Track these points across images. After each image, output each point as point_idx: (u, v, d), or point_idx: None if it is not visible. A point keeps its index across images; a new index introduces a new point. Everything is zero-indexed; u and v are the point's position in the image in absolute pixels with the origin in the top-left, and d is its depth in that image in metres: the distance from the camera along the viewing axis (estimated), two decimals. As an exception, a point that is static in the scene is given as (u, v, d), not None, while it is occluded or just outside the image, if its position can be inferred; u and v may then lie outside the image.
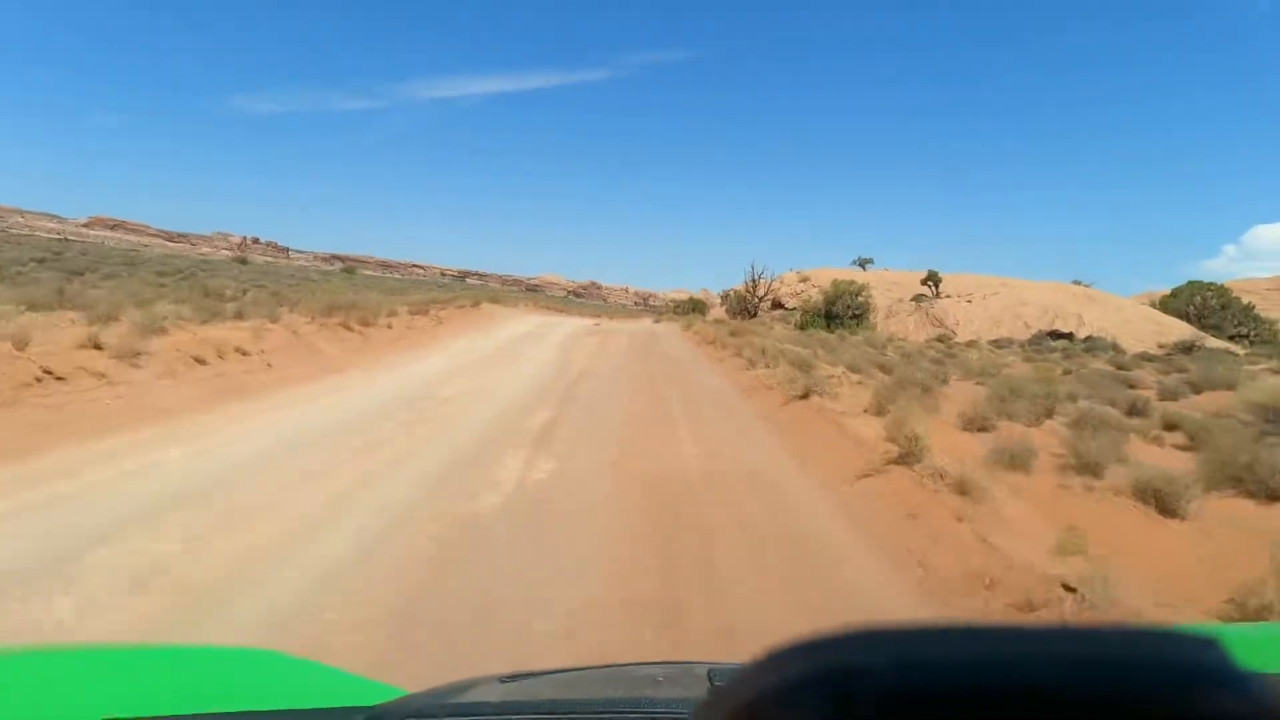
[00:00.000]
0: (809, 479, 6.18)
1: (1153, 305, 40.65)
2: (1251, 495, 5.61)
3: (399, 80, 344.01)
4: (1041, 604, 3.52)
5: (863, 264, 50.01)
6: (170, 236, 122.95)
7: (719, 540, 4.56)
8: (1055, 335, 33.53)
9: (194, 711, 1.02)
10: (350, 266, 69.65)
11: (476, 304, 28.31)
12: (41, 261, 30.81)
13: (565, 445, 6.89)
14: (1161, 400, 12.14)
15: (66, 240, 75.44)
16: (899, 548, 4.54)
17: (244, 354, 9.03)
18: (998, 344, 31.73)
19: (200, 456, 5.53)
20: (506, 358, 13.64)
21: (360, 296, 17.09)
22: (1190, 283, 42.01)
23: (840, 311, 35.04)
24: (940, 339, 33.41)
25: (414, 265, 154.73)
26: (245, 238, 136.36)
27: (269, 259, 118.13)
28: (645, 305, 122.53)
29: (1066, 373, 18.65)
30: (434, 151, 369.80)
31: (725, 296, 42.44)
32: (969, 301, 37.48)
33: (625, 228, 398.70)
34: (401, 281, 78.78)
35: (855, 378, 11.42)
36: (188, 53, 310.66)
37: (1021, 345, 31.89)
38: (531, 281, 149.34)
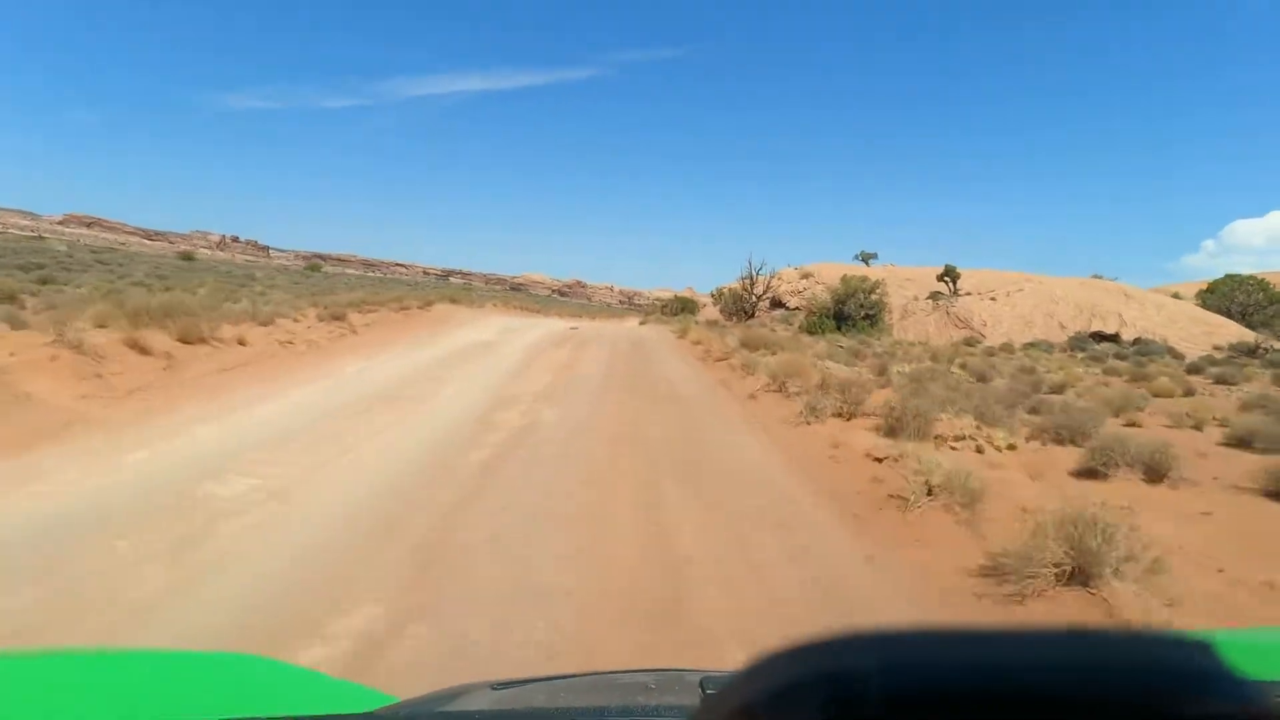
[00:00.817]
0: None
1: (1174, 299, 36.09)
2: None
3: (382, 78, 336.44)
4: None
5: (866, 259, 45.18)
6: (148, 234, 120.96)
7: None
8: (1099, 337, 28.79)
9: (183, 718, 1.02)
10: (315, 264, 63.72)
11: (428, 305, 23.08)
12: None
13: None
14: None
15: (42, 237, 71.19)
16: None
17: None
18: (1036, 348, 26.95)
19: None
20: (402, 402, 8.20)
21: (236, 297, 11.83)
22: (1228, 276, 37.58)
23: (852, 311, 30.11)
24: (968, 342, 28.60)
25: (397, 264, 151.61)
26: (225, 236, 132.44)
27: (249, 257, 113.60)
28: (630, 304, 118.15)
29: (1187, 394, 13.76)
30: (417, 150, 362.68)
31: (718, 295, 37.43)
32: (993, 299, 32.71)
33: (610, 227, 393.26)
34: (379, 280, 73.14)
35: (1006, 436, 6.39)
36: (168, 49, 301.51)
37: (1063, 348, 27.13)
38: (515, 280, 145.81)
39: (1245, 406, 10.82)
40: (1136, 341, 27.49)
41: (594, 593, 3.43)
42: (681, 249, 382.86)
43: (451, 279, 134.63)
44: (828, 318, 30.21)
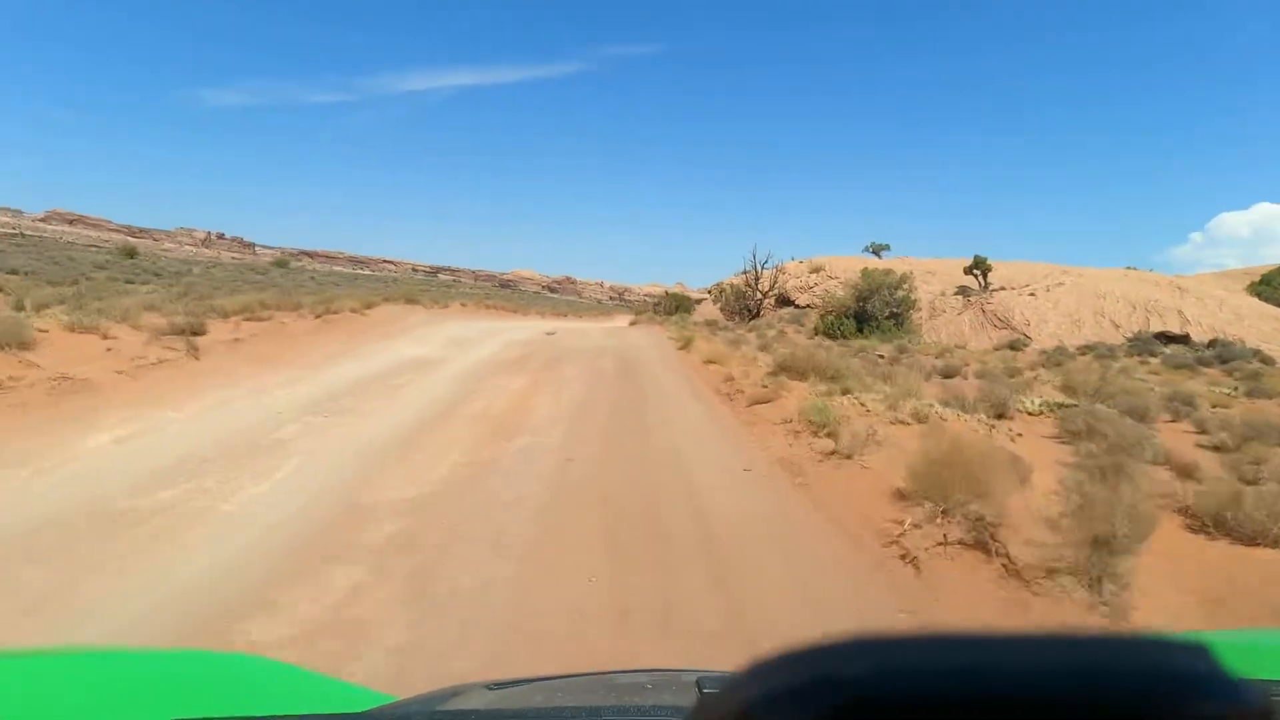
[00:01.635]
0: None
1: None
2: None
3: (367, 74, 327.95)
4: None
5: (877, 251, 40.52)
6: (131, 231, 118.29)
7: None
8: (1164, 338, 24.23)
9: (181, 718, 0.99)
10: (284, 259, 58.43)
11: (368, 307, 18.25)
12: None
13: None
14: None
15: (24, 235, 67.36)
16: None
17: None
18: (1095, 352, 22.38)
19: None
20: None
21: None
22: (1284, 268, 33.14)
23: (875, 310, 25.45)
24: (1012, 346, 24.01)
25: (385, 261, 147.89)
26: (209, 233, 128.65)
27: (234, 254, 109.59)
28: (620, 300, 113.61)
29: None
30: (405, 146, 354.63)
31: (718, 292, 32.72)
32: (1032, 295, 28.11)
33: (600, 222, 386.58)
34: (353, 278, 67.97)
35: None
36: (151, 45, 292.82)
37: (1125, 352, 22.55)
38: (505, 277, 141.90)
39: None
40: (1213, 344, 22.96)
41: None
42: (672, 245, 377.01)
43: (440, 276, 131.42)
44: (847, 317, 25.55)
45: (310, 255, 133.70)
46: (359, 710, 1.01)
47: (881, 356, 17.37)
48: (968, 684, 0.27)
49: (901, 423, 6.58)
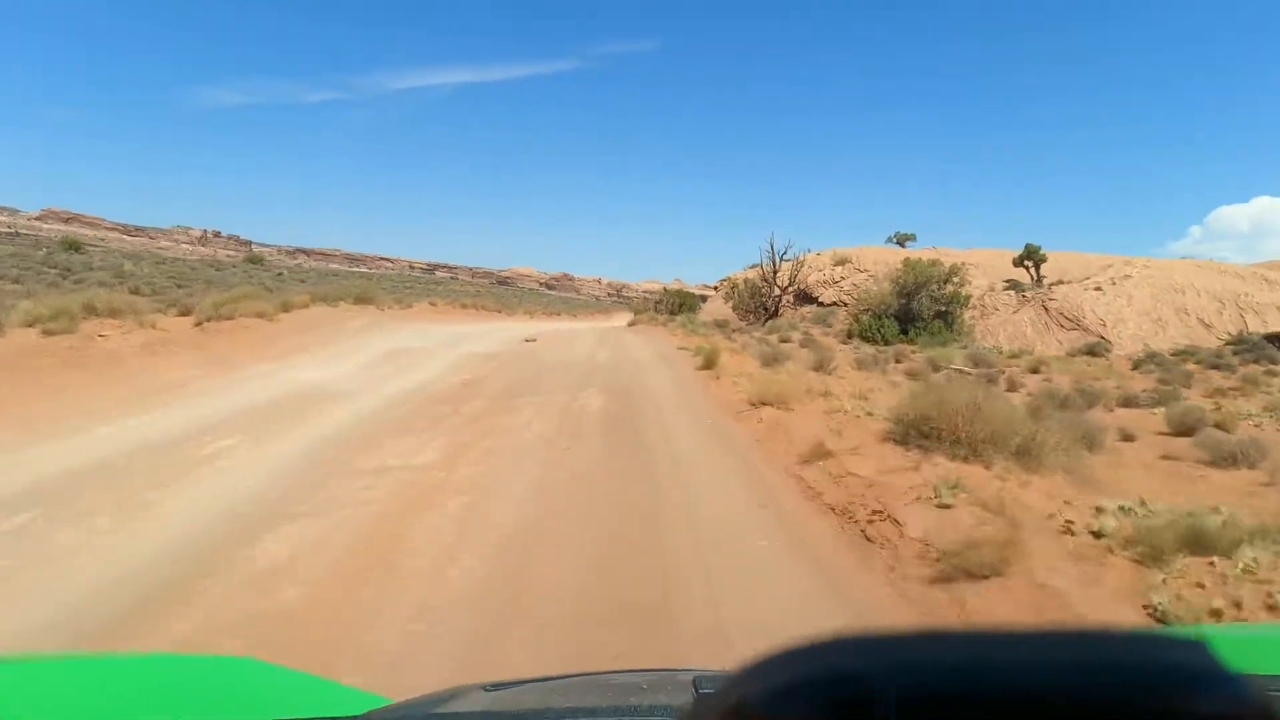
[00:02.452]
0: None
1: None
2: None
3: (362, 72, 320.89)
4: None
5: (901, 241, 35.83)
6: (128, 230, 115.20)
7: None
8: (1276, 340, 19.71)
9: None
10: (256, 255, 53.52)
11: (284, 309, 13.69)
12: None
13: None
14: None
15: (19, 234, 64.13)
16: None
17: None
18: (1193, 358, 17.85)
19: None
20: None
21: None
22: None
23: (921, 308, 20.93)
24: (1091, 351, 19.50)
25: (383, 259, 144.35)
26: (206, 231, 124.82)
27: (229, 253, 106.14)
28: (619, 297, 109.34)
29: None
30: (402, 144, 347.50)
31: (730, 289, 28.14)
32: (1098, 289, 23.58)
33: (597, 219, 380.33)
34: (335, 274, 63.30)
35: None
36: (147, 44, 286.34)
37: (1232, 356, 18.03)
38: (503, 274, 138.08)
39: None
40: (1340, 347, 18.45)
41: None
42: (669, 242, 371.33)
43: (437, 273, 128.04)
44: (888, 317, 21.02)
45: (307, 253, 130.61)
46: (355, 713, 0.99)
47: (962, 371, 12.86)
48: (967, 679, 0.27)
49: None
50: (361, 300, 18.87)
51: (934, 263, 21.64)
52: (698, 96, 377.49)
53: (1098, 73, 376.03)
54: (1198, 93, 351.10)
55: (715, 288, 42.80)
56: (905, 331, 20.87)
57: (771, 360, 11.29)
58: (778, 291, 26.22)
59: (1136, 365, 16.55)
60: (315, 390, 8.06)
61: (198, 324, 11.12)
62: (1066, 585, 2.72)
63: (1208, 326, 21.49)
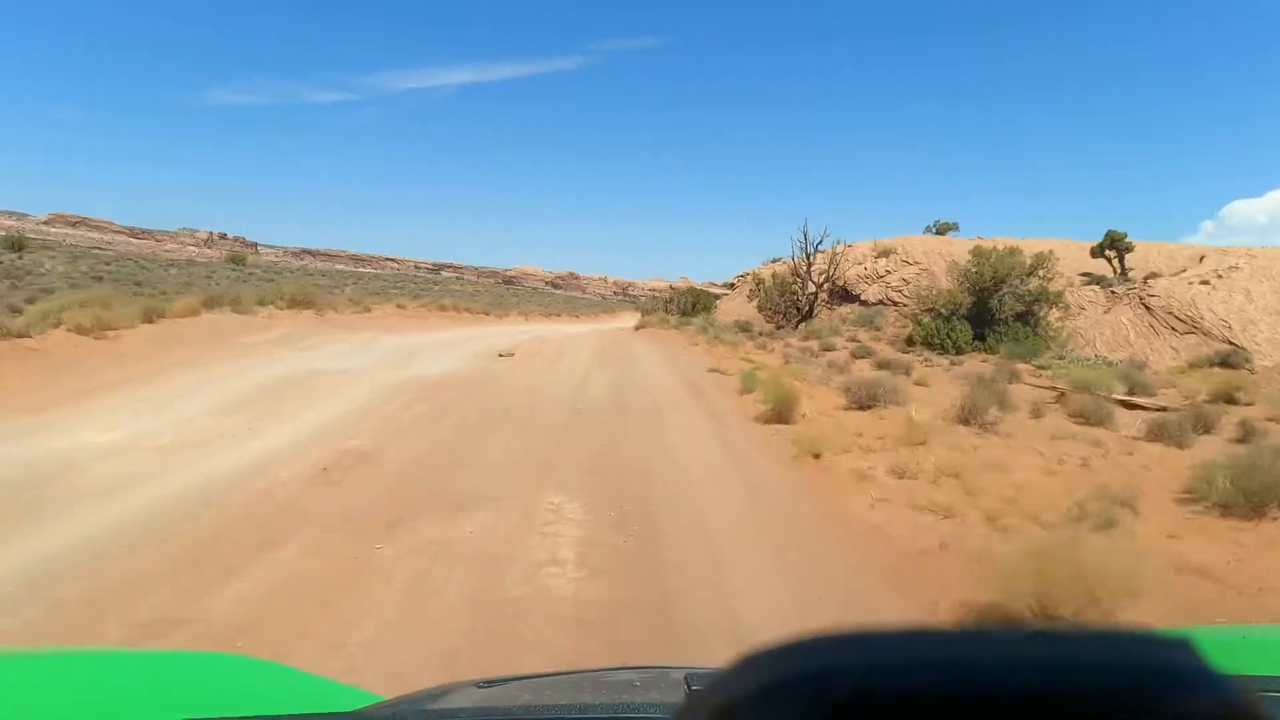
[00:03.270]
0: None
1: None
2: None
3: (369, 72, 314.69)
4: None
5: (942, 230, 31.28)
6: (134, 233, 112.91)
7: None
8: None
9: (168, 718, 0.97)
10: (239, 254, 49.09)
11: (141, 321, 9.40)
12: None
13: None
14: None
15: (28, 238, 61.92)
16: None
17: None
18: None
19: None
20: None
21: None
22: None
23: (1003, 308, 16.51)
24: (1225, 361, 15.02)
25: (388, 259, 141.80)
26: (211, 233, 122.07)
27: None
28: (625, 295, 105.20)
29: None
30: (407, 143, 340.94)
31: (753, 284, 23.66)
32: (1205, 284, 19.03)
33: (603, 217, 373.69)
34: (330, 273, 59.17)
35: None
36: (153, 46, 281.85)
37: None
38: (509, 274, 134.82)
39: None
40: None
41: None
42: (675, 240, 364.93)
43: (443, 273, 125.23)
44: (959, 318, 16.60)
45: (312, 254, 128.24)
46: (347, 710, 0.97)
47: (1136, 404, 8.45)
48: (958, 679, 0.27)
49: None
50: (298, 303, 14.62)
51: (1013, 251, 17.16)
52: (700, 93, 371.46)
53: (1105, 63, 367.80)
54: (1211, 83, 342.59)
55: (731, 285, 38.18)
56: (981, 337, 16.46)
57: (865, 398, 6.91)
58: (812, 288, 21.79)
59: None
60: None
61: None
62: None
63: (1357, 328, 16.97)
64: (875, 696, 0.27)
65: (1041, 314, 17.04)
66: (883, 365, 13.16)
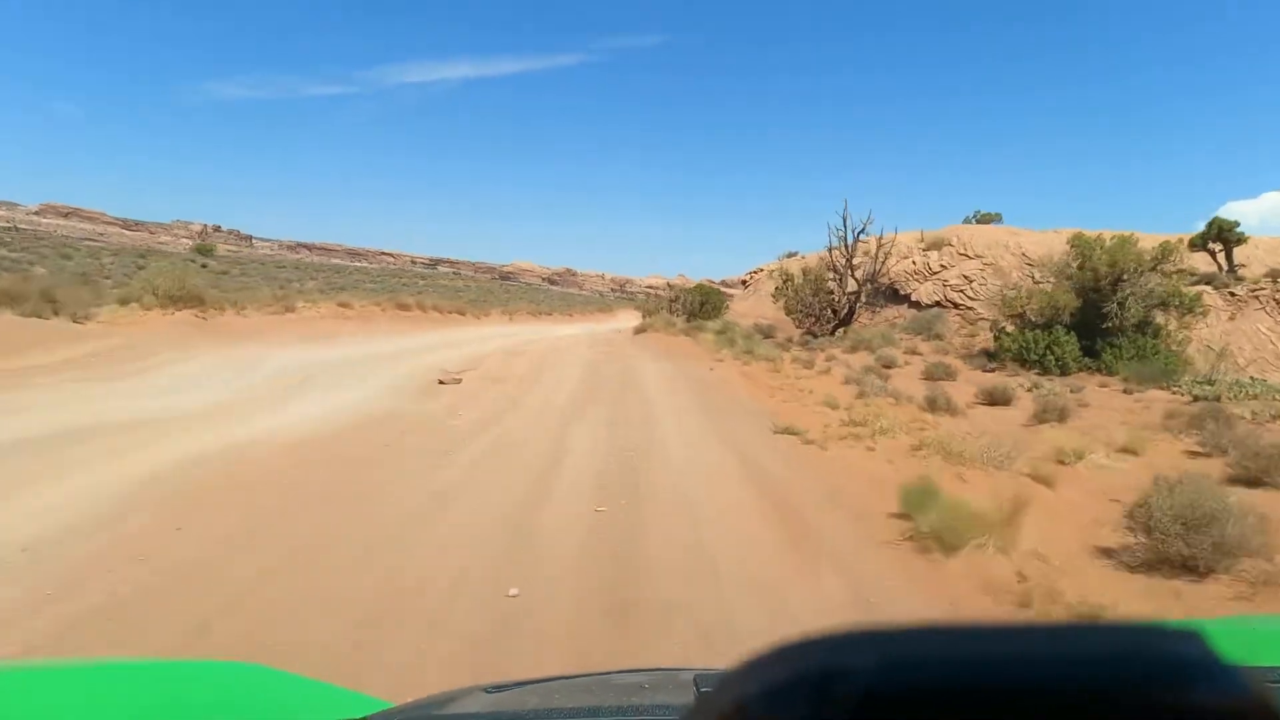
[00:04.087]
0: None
1: None
2: None
3: (368, 66, 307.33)
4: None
5: (985, 222, 27.22)
6: (127, 224, 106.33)
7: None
8: None
9: None
10: (208, 246, 44.79)
11: None
12: None
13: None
14: None
15: (17, 229, 60.71)
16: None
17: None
18: None
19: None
20: None
21: None
22: None
23: (1123, 313, 12.39)
24: None
25: (384, 254, 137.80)
26: (206, 225, 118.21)
27: (230, 247, 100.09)
28: (622, 292, 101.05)
29: None
30: (406, 138, 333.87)
31: (781, 282, 19.51)
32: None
33: (601, 214, 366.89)
34: (357, 270, 54.82)
35: None
36: (152, 38, 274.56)
37: None
38: (505, 269, 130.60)
39: None
40: None
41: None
42: (674, 238, 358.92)
43: (440, 268, 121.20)
44: (1061, 326, 12.49)
45: (309, 248, 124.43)
46: (354, 716, 0.96)
47: None
48: (968, 675, 0.27)
49: None
50: (176, 301, 10.43)
51: (1130, 239, 13.03)
52: (700, 91, 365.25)
53: (1100, 63, 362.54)
54: (1203, 84, 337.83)
55: (744, 281, 34.06)
56: (1091, 352, 12.38)
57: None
58: (853, 285, 17.64)
59: None
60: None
61: None
62: None
63: None
64: (887, 694, 0.26)
65: (1165, 322, 12.94)
66: (993, 400, 9.05)
